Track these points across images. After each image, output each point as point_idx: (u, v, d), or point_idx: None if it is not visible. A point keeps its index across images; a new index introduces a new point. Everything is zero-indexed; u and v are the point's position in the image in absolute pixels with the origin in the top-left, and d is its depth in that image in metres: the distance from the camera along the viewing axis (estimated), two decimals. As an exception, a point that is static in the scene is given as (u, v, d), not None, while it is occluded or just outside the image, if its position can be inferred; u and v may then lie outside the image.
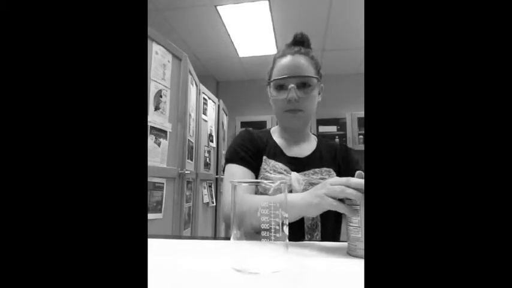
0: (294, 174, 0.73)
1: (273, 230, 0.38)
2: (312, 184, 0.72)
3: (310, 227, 0.71)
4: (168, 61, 1.62)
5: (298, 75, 0.73)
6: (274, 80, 0.76)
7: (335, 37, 2.78)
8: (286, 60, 0.76)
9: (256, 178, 0.74)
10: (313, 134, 0.88)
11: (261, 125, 3.36)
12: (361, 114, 3.25)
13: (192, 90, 2.06)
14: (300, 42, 0.81)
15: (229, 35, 2.76)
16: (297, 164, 0.76)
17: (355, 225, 0.47)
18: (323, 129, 3.36)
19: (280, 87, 0.75)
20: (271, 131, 0.87)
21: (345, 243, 0.51)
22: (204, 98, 2.44)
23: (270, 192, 0.39)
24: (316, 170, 0.75)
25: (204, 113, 2.45)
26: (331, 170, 0.76)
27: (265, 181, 0.40)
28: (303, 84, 0.74)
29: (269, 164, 0.75)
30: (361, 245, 0.46)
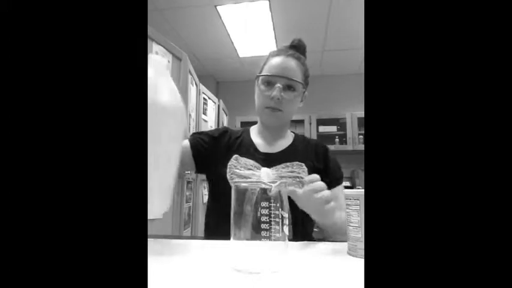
0: (264, 169, 0.75)
1: (273, 230, 0.38)
2: (282, 177, 0.74)
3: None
4: (168, 61, 1.62)
5: (286, 77, 0.76)
6: (264, 75, 0.79)
7: (335, 37, 2.78)
8: (279, 59, 0.79)
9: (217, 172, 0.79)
10: (292, 132, 0.91)
11: (261, 125, 3.36)
12: (361, 114, 3.24)
13: (192, 90, 2.05)
14: (296, 48, 0.84)
15: (229, 35, 2.75)
16: (269, 160, 0.79)
17: (355, 225, 0.47)
18: (323, 129, 3.36)
19: (268, 83, 0.78)
20: (251, 128, 0.90)
21: (345, 243, 0.51)
22: (204, 98, 2.44)
23: (270, 192, 0.39)
24: (288, 164, 0.77)
25: (204, 113, 2.45)
26: (302, 164, 0.76)
27: (265, 181, 0.40)
28: (289, 87, 0.77)
29: (240, 162, 0.77)
30: (361, 245, 0.46)
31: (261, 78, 0.80)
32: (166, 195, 0.51)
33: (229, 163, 0.77)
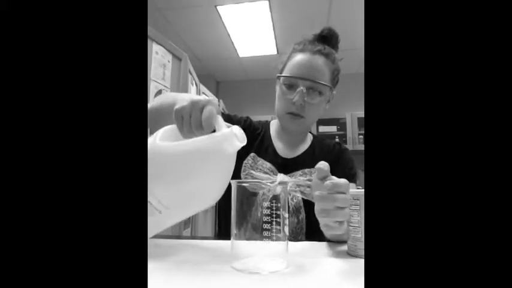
0: (281, 175, 0.70)
1: (274, 230, 0.38)
2: (299, 186, 0.69)
3: (294, 231, 0.69)
4: (168, 61, 1.62)
5: (311, 80, 0.66)
6: (285, 76, 0.70)
7: (335, 37, 2.78)
8: (304, 58, 0.68)
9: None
10: (311, 132, 0.85)
11: (261, 125, 3.37)
12: (361, 114, 3.24)
13: (192, 90, 2.05)
14: (325, 39, 0.72)
15: (229, 35, 2.75)
16: (286, 165, 0.73)
17: (355, 225, 0.47)
18: (323, 129, 3.36)
19: (290, 86, 0.69)
20: (271, 123, 0.83)
21: (345, 243, 0.51)
22: (204, 98, 2.44)
23: (269, 192, 0.39)
24: (306, 170, 0.72)
25: (204, 113, 2.44)
26: None
27: (264, 181, 0.40)
28: (313, 90, 0.68)
29: (257, 162, 0.72)
30: (361, 245, 0.46)
31: (282, 78, 0.70)
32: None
33: (245, 161, 0.71)
